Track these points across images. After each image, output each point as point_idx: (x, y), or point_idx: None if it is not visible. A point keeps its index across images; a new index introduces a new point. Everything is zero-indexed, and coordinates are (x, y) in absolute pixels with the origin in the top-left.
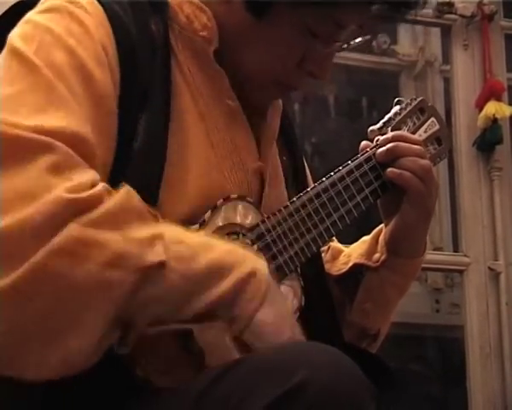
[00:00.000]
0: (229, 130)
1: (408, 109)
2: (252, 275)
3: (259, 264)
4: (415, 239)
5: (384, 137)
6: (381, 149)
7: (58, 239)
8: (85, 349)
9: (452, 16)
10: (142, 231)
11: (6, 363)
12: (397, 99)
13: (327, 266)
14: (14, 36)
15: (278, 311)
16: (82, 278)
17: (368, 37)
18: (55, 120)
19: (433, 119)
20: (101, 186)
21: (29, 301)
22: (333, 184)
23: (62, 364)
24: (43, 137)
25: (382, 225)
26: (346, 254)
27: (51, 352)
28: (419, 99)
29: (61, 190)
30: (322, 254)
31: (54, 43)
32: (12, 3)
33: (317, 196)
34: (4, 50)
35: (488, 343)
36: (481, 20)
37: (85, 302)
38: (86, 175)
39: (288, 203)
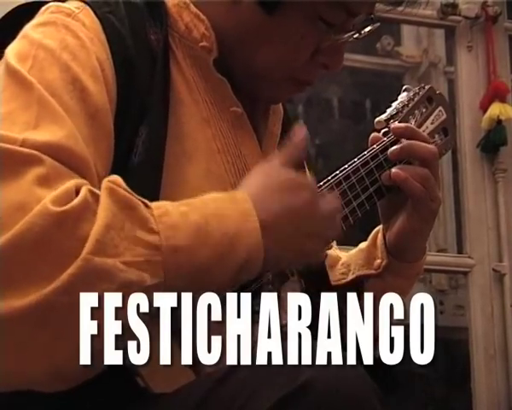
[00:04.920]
0: (233, 136)
1: (416, 100)
2: (248, 258)
3: (250, 236)
4: (420, 242)
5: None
6: (394, 147)
7: (66, 277)
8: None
9: (456, 18)
10: (137, 246)
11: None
12: (405, 86)
13: None
14: (11, 53)
15: (280, 241)
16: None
17: (377, 24)
18: (43, 134)
19: (440, 108)
20: (84, 191)
21: (39, 328)
22: (347, 178)
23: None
24: (29, 151)
25: (378, 228)
26: (343, 264)
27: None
28: (427, 87)
29: (47, 201)
30: None
31: (48, 59)
32: (14, 4)
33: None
34: (1, 68)
35: (493, 345)
36: (485, 22)
37: None
38: (70, 183)
39: None
